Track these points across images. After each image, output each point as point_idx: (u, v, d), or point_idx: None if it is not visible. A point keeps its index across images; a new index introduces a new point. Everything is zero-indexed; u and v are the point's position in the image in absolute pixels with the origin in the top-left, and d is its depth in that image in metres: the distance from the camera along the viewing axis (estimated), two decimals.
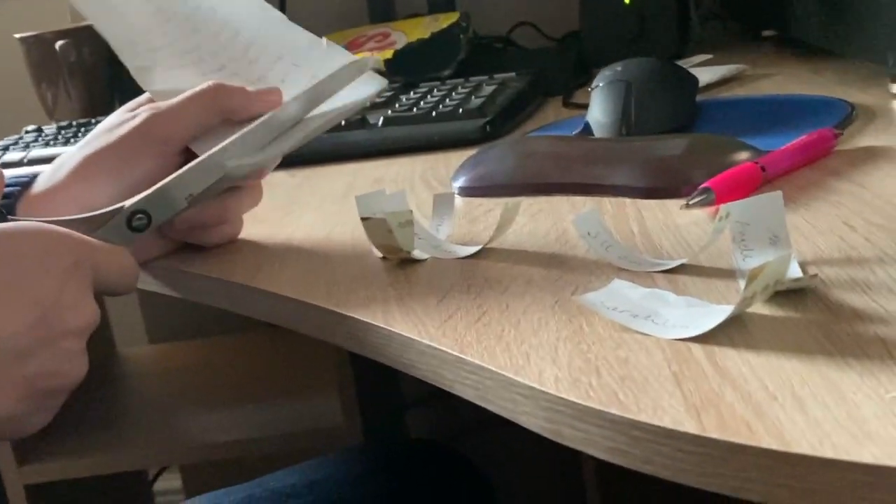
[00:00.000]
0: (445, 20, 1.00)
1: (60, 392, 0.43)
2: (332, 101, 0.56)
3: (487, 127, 0.76)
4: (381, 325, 0.41)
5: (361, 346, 0.42)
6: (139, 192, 0.53)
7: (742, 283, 0.39)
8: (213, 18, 0.60)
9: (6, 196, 0.53)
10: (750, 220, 0.41)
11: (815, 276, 0.37)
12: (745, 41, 1.04)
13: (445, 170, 0.68)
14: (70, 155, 0.54)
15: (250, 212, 0.60)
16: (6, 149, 0.93)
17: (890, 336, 0.32)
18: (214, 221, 0.55)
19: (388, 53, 0.92)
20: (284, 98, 0.55)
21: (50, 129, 1.00)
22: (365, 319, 0.42)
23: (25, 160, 0.88)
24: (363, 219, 0.47)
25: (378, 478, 0.60)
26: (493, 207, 0.57)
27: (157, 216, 0.49)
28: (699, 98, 0.71)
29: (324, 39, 0.57)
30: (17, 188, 0.53)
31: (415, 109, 0.80)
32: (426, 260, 0.48)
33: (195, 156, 0.55)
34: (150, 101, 0.58)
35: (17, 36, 1.11)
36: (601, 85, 0.66)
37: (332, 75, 0.53)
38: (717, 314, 0.35)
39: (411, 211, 0.48)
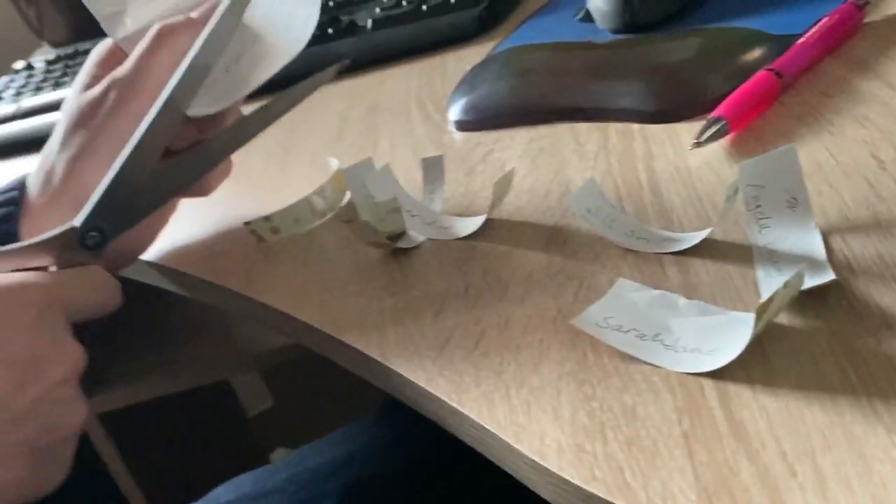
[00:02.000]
0: None
1: (66, 441, 0.42)
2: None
3: (484, 14, 0.70)
4: (378, 359, 0.38)
5: (362, 371, 0.40)
6: None
7: (760, 270, 0.35)
8: None
9: (3, 219, 0.50)
10: (763, 181, 0.37)
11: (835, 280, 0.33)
12: None
13: (441, 85, 0.63)
14: (50, 156, 0.51)
15: (248, 172, 0.56)
16: None
17: None
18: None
19: None
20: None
21: (39, 63, 0.96)
22: (360, 349, 0.39)
23: (19, 112, 0.85)
24: (346, 221, 0.44)
25: (417, 446, 0.59)
26: (492, 148, 0.52)
27: (111, 230, 0.45)
28: None
29: None
30: (13, 207, 0.50)
31: (403, 3, 0.74)
32: (421, 244, 0.45)
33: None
34: (106, 62, 0.53)
35: None
36: None
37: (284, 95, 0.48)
38: (731, 335, 0.31)
39: (395, 198, 0.44)
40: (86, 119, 0.50)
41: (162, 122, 0.45)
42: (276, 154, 0.62)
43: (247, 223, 0.51)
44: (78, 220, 0.43)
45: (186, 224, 0.55)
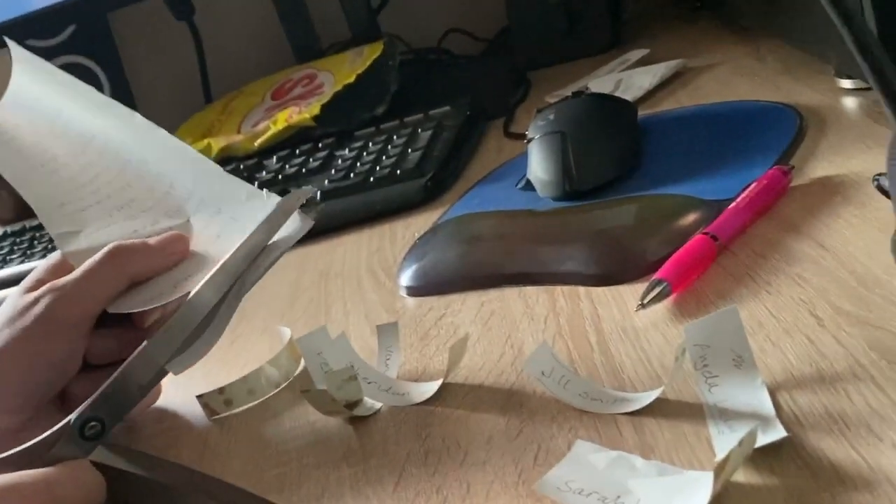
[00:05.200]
0: (371, 53, 0.95)
1: None
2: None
3: (429, 184, 0.73)
4: None
5: None
6: (54, 383, 0.50)
7: (713, 427, 0.36)
8: (146, 172, 0.56)
9: None
10: (709, 341, 0.38)
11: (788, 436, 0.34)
12: (683, 12, 1.00)
13: (391, 251, 0.65)
14: None
15: None
16: None
17: None
18: None
19: (316, 109, 0.88)
20: (213, 250, 0.51)
21: None
22: None
23: None
24: (303, 391, 0.44)
25: None
26: (444, 312, 0.53)
27: (112, 418, 0.45)
28: (642, 114, 0.68)
29: (264, 191, 0.52)
30: None
31: (352, 175, 0.76)
32: (378, 411, 0.45)
33: (108, 323, 0.52)
34: (54, 271, 0.54)
35: None
36: (536, 138, 0.62)
37: (262, 224, 0.49)
38: (690, 496, 0.32)
39: (352, 366, 0.45)
40: (16, 319, 0.50)
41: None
42: None
43: (199, 396, 0.50)
44: (74, 415, 0.44)
45: None
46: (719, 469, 0.31)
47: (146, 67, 1.17)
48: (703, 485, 0.32)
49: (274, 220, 0.49)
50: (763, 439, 0.33)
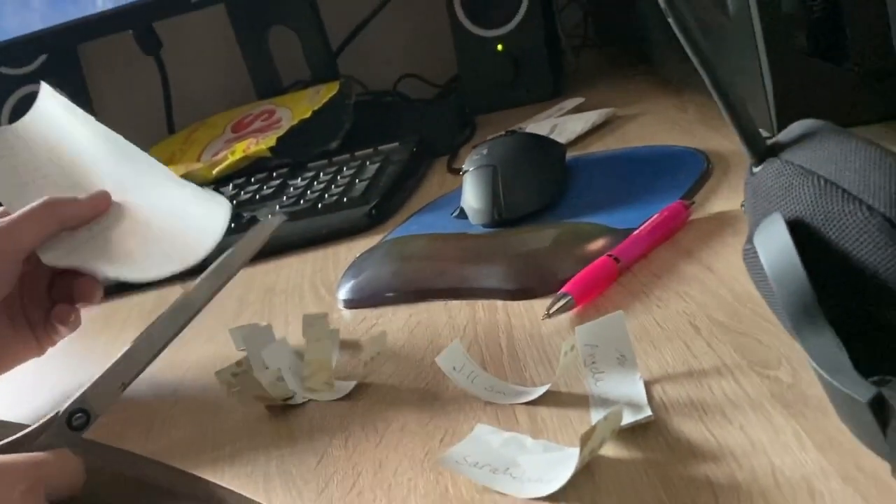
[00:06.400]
0: (327, 91, 1.01)
1: None
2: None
3: (373, 212, 0.78)
4: (263, 502, 0.42)
5: None
6: None
7: (594, 414, 0.41)
8: (121, 182, 0.62)
9: None
10: (597, 342, 0.44)
11: (651, 417, 0.39)
12: (619, 68, 1.07)
13: (333, 271, 0.70)
14: None
15: None
16: None
17: (718, 480, 0.34)
18: None
19: (272, 141, 0.93)
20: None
21: None
22: (248, 496, 0.43)
23: None
24: (233, 374, 0.49)
25: None
26: (375, 322, 0.58)
27: (96, 411, 0.49)
28: (571, 155, 0.74)
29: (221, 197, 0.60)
30: None
31: (301, 202, 0.81)
32: (308, 402, 0.50)
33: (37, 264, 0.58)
34: None
35: None
36: (470, 170, 0.68)
37: (239, 245, 0.54)
38: (568, 465, 0.37)
39: (279, 369, 0.50)
40: None
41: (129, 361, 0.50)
42: None
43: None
44: (63, 406, 0.49)
45: None
46: (585, 438, 0.36)
47: (113, 98, 1.22)
48: (573, 466, 0.37)
49: (248, 245, 0.54)
50: (632, 418, 0.39)
